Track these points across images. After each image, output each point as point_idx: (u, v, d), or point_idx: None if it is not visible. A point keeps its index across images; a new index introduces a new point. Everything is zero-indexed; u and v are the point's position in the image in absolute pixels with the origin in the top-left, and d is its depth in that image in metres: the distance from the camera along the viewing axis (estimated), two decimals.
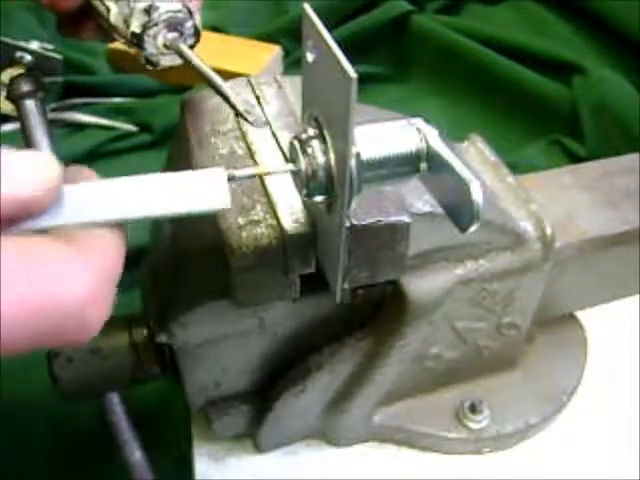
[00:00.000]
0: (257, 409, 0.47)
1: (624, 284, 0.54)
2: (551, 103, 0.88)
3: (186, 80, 0.91)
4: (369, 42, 0.98)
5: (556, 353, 0.54)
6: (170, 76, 0.94)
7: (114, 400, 0.48)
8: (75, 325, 0.23)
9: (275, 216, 0.35)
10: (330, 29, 0.27)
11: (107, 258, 0.25)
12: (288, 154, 0.31)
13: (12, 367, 0.58)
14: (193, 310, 0.39)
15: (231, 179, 0.29)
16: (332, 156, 0.29)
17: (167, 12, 0.38)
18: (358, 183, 0.28)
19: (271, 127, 0.41)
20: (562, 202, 0.50)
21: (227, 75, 0.44)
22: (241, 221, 0.35)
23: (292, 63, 0.96)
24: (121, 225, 0.27)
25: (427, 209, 0.39)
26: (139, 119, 0.88)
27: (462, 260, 0.43)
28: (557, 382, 0.53)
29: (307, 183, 0.29)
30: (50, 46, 0.90)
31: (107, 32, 0.43)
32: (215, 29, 0.99)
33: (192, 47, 0.39)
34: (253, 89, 0.44)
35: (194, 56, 0.39)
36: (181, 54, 0.39)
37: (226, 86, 0.38)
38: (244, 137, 0.41)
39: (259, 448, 0.50)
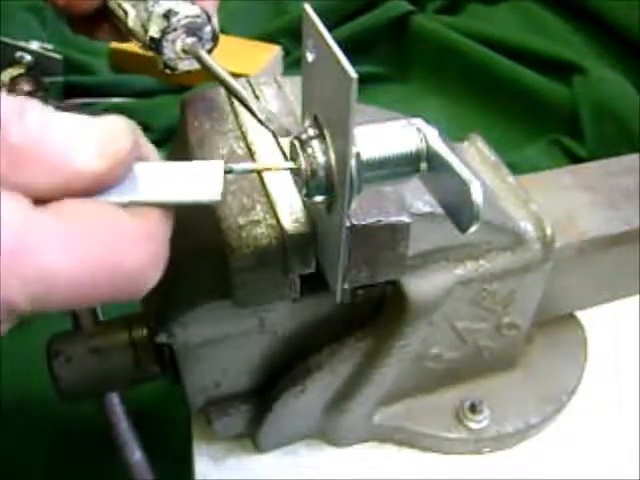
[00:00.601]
0: (257, 409, 0.47)
1: (624, 284, 0.54)
2: (551, 103, 0.88)
3: (186, 80, 0.92)
4: (369, 42, 0.98)
5: (556, 353, 0.54)
6: (170, 76, 0.94)
7: (114, 400, 0.48)
8: (135, 284, 0.27)
9: (275, 216, 0.35)
10: (330, 29, 0.27)
11: (161, 229, 0.28)
12: (288, 154, 0.31)
13: (12, 367, 0.59)
14: (193, 310, 0.39)
15: (228, 172, 0.29)
16: (332, 156, 0.29)
17: (186, 17, 0.38)
18: (358, 183, 0.28)
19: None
20: (562, 202, 0.50)
21: None
22: (241, 221, 0.35)
23: (292, 63, 0.96)
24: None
25: (427, 209, 0.39)
26: (139, 119, 0.87)
27: (462, 260, 0.43)
28: (557, 382, 0.53)
29: (307, 183, 0.29)
30: (50, 46, 0.91)
31: (122, 34, 0.42)
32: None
33: (210, 52, 0.39)
34: (253, 89, 0.44)
35: (212, 61, 0.39)
36: (199, 59, 0.39)
37: (245, 93, 0.38)
38: (244, 137, 0.41)
39: (259, 448, 0.50)
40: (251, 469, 0.50)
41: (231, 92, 0.38)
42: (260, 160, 0.39)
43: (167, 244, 0.28)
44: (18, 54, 0.83)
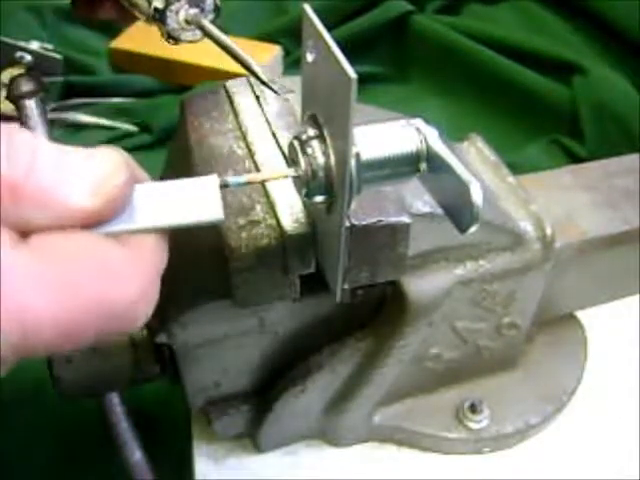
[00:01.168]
0: (257, 409, 0.47)
1: (624, 284, 0.54)
2: (551, 103, 0.88)
3: (186, 80, 0.92)
4: (369, 42, 0.98)
5: (556, 353, 0.54)
6: (170, 76, 0.94)
7: (114, 400, 0.48)
8: (126, 320, 0.26)
9: (275, 216, 0.35)
10: (330, 29, 0.27)
11: (154, 259, 0.27)
12: (288, 154, 0.31)
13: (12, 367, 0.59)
14: (193, 310, 0.39)
15: (224, 187, 0.28)
16: (332, 156, 0.29)
17: None
18: (358, 183, 0.28)
19: (271, 127, 0.41)
20: (562, 202, 0.50)
21: (227, 75, 0.44)
22: (241, 221, 0.35)
23: (292, 63, 0.96)
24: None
25: (427, 209, 0.39)
26: (139, 119, 0.88)
27: (462, 260, 0.43)
28: (557, 382, 0.53)
29: (307, 183, 0.29)
30: (50, 46, 0.91)
31: (124, 11, 0.43)
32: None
33: (212, 22, 0.40)
34: (253, 89, 0.44)
35: (216, 30, 0.39)
36: (203, 28, 0.39)
37: (249, 58, 0.39)
38: (244, 137, 0.41)
39: (259, 448, 0.50)
40: (251, 469, 0.50)
41: (235, 58, 0.39)
42: (260, 160, 0.39)
43: (160, 272, 0.27)
44: (18, 54, 0.83)
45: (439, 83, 0.97)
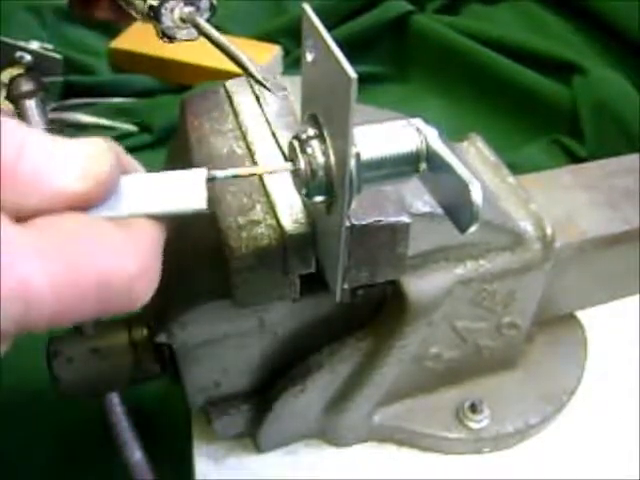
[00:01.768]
0: (257, 409, 0.47)
1: (624, 284, 0.54)
2: (551, 103, 0.88)
3: (186, 80, 0.92)
4: (369, 42, 0.98)
5: (556, 353, 0.54)
6: (170, 76, 0.94)
7: (114, 400, 0.48)
8: (126, 297, 0.26)
9: (275, 216, 0.35)
10: (329, 29, 0.27)
11: (150, 238, 0.27)
12: (287, 154, 0.31)
13: (12, 367, 0.59)
14: (193, 310, 0.39)
15: (211, 180, 0.29)
16: (332, 156, 0.29)
17: None
18: (358, 183, 0.28)
19: (271, 127, 0.41)
20: (562, 202, 0.50)
21: (227, 75, 0.44)
22: (241, 221, 0.35)
23: (292, 63, 0.96)
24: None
25: (427, 209, 0.39)
26: (139, 119, 0.88)
27: (462, 260, 0.43)
28: (557, 382, 0.53)
29: (307, 183, 0.29)
30: (50, 46, 0.91)
31: (121, 10, 0.43)
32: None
33: (207, 21, 0.40)
34: (253, 89, 0.44)
35: (211, 28, 0.39)
36: (197, 27, 0.39)
37: (244, 56, 0.38)
38: (244, 137, 0.41)
39: (259, 448, 0.50)
40: (251, 469, 0.50)
41: (230, 57, 0.39)
42: (260, 160, 0.39)
43: (159, 253, 0.28)
44: (18, 54, 0.83)
45: (439, 83, 0.97)
